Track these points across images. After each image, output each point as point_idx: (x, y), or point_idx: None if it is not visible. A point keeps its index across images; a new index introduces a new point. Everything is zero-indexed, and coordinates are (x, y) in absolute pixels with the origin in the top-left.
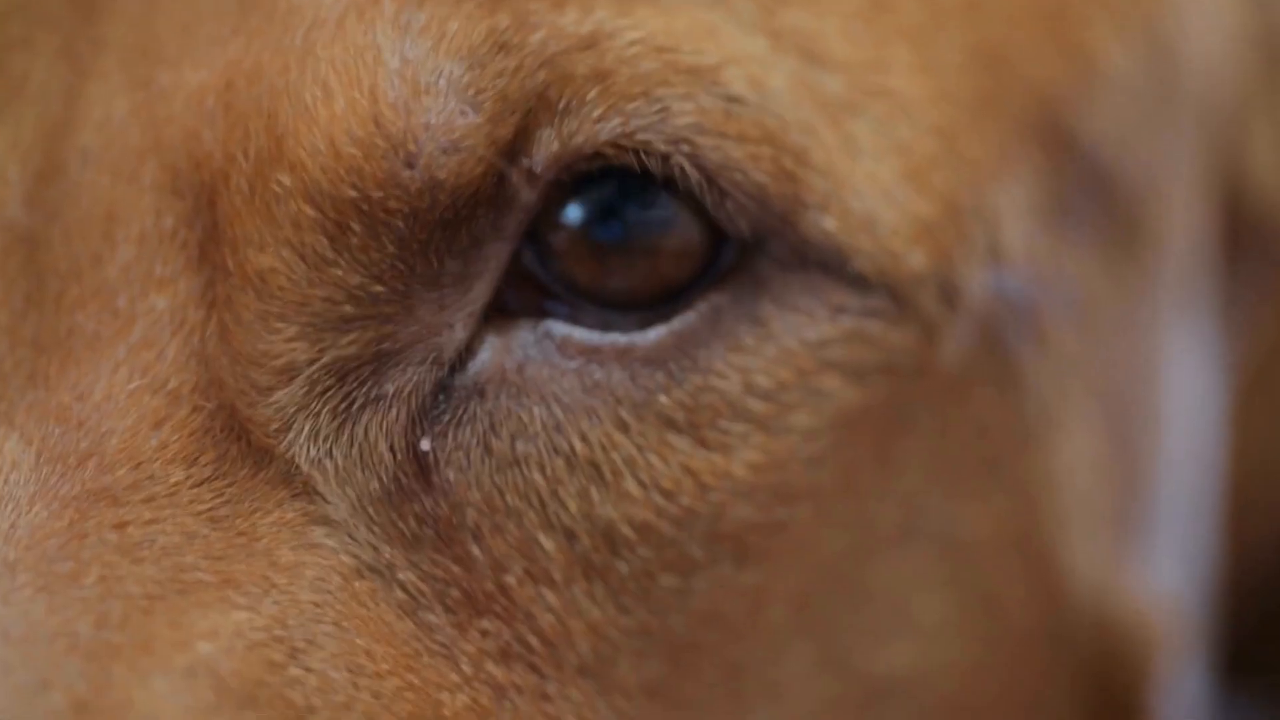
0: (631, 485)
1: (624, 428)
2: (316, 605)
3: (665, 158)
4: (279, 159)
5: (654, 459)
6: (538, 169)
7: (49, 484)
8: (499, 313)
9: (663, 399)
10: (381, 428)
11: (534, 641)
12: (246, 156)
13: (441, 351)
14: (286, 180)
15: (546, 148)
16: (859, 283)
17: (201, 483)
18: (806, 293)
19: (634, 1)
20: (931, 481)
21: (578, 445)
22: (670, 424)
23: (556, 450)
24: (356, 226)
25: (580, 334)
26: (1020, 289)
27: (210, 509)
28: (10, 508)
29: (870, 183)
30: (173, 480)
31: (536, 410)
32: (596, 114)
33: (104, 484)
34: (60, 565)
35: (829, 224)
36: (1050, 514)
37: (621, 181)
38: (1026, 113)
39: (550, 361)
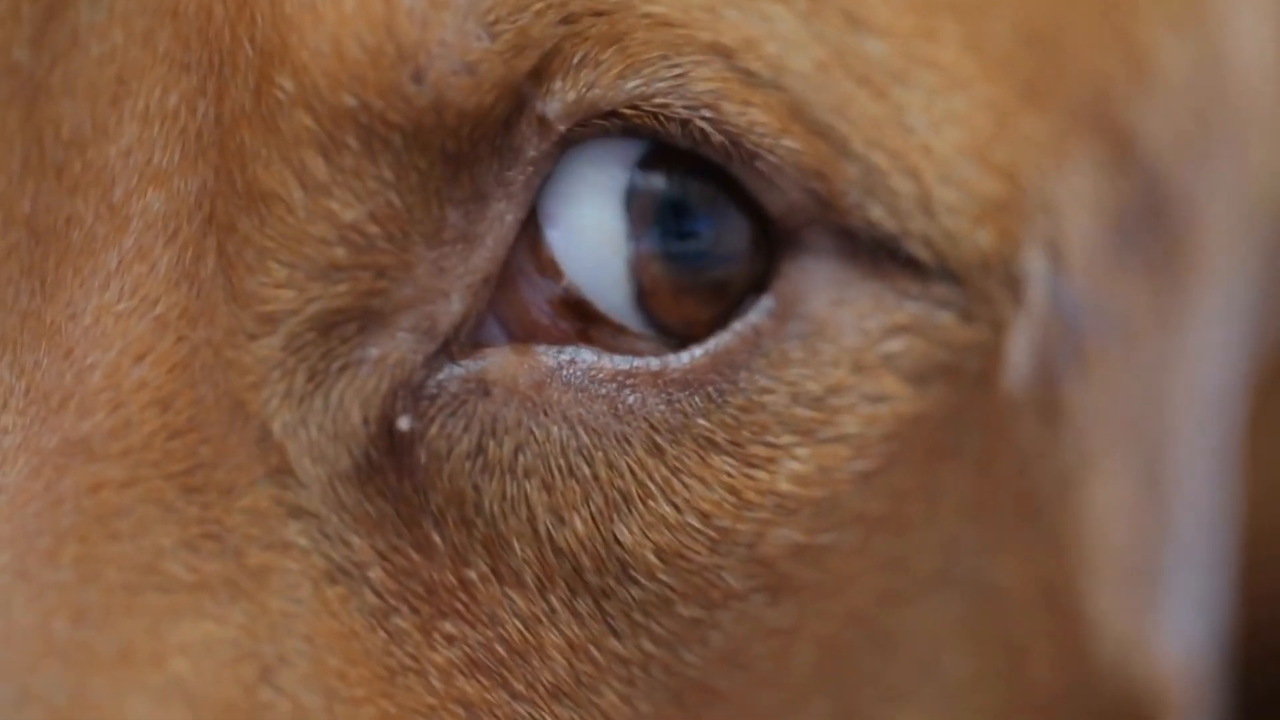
0: (665, 509)
1: (658, 452)
2: (286, 616)
3: (685, 123)
4: (282, 57)
5: (691, 481)
6: (551, 115)
7: (32, 431)
8: (523, 329)
9: (702, 422)
10: (358, 395)
11: (502, 651)
12: (253, 44)
13: (435, 323)
14: (289, 85)
15: (561, 96)
16: (917, 268)
17: (175, 434)
18: (866, 279)
19: None
20: (969, 520)
21: (603, 472)
22: (711, 445)
23: (572, 472)
24: (353, 142)
25: (610, 360)
26: (1075, 303)
27: (184, 471)
28: None
29: (925, 157)
30: (149, 429)
31: (555, 430)
32: (614, 72)
33: (82, 432)
34: (38, 540)
35: (875, 210)
36: (1081, 565)
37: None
38: (1083, 102)
39: (577, 385)
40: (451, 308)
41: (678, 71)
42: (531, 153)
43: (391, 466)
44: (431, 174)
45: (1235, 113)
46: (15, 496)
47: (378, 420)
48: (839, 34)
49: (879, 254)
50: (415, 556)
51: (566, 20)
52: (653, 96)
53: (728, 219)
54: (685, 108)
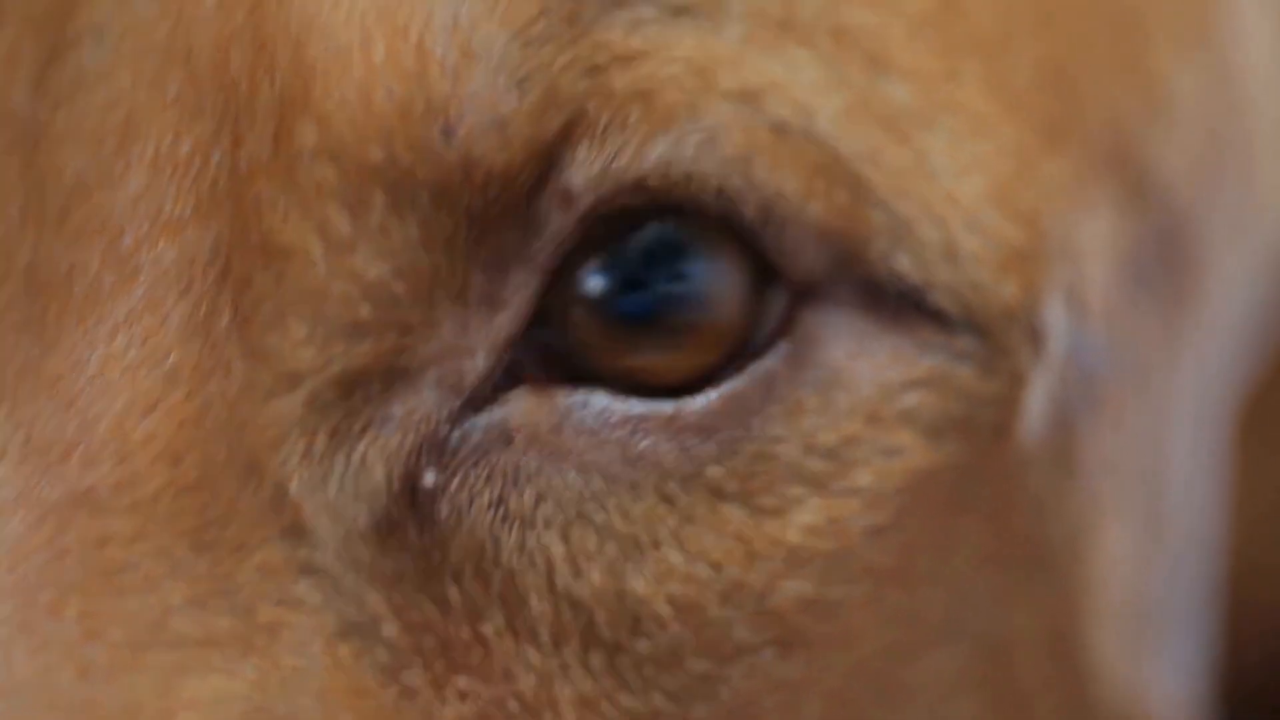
0: (676, 558)
1: (669, 500)
2: (297, 672)
3: (719, 191)
4: (304, 106)
5: (702, 530)
6: (575, 187)
7: (32, 482)
8: (535, 371)
9: (714, 469)
10: (382, 453)
11: (515, 707)
12: (273, 91)
13: (461, 379)
14: (311, 136)
15: (585, 168)
16: (940, 320)
17: (185, 490)
18: (886, 332)
19: (679, 19)
20: (981, 572)
21: (617, 521)
22: (721, 494)
23: (588, 520)
24: (379, 198)
25: (623, 404)
26: (1096, 349)
27: (193, 529)
28: None
29: (950, 204)
30: (157, 483)
31: (572, 476)
32: (640, 135)
33: (87, 484)
34: (41, 594)
35: (901, 261)
36: (1088, 613)
37: (648, 244)
38: (1101, 142)
39: (590, 429)
40: (477, 365)
41: (706, 135)
42: (554, 226)
43: (412, 522)
44: (457, 236)
45: (1242, 129)
46: (16, 548)
47: (401, 478)
48: (863, 78)
49: (903, 305)
50: (431, 612)
51: (592, 72)
52: (681, 162)
53: (736, 292)
54: (715, 172)
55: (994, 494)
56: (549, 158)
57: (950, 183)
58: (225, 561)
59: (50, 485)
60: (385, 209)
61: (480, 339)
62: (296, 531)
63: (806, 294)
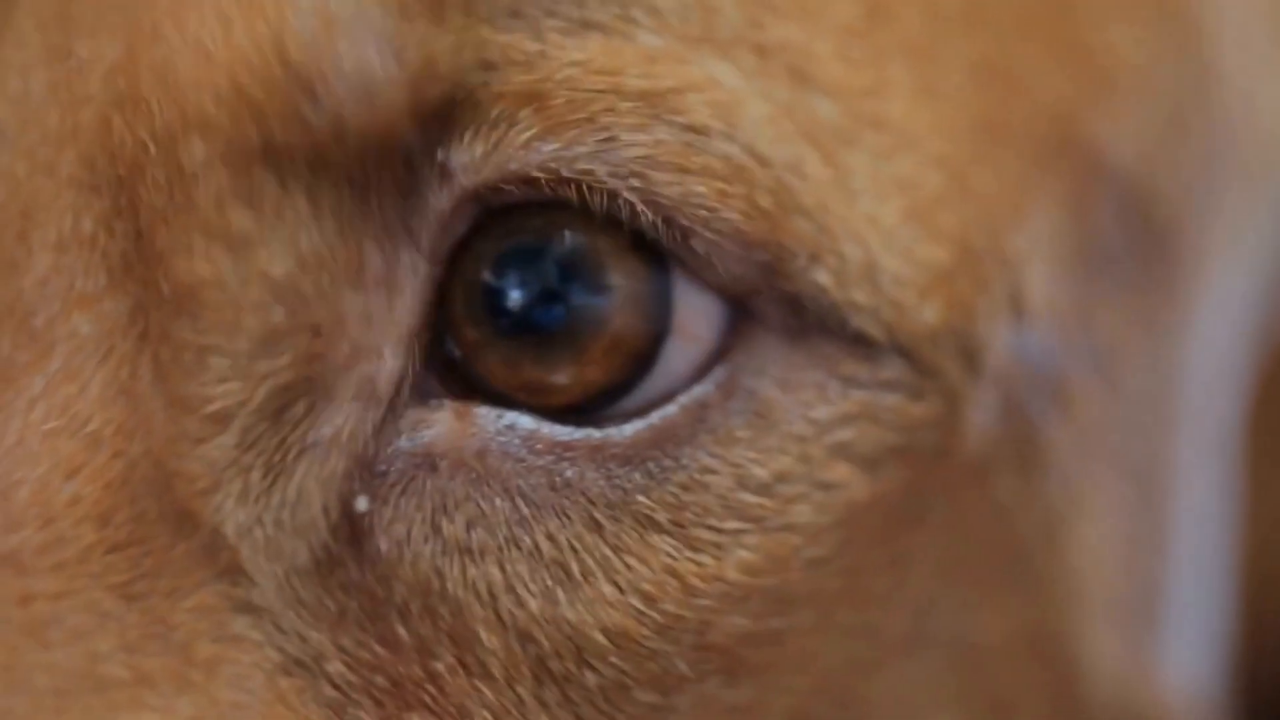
0: (606, 588)
1: (597, 529)
2: (237, 706)
3: (612, 194)
4: (184, 123)
5: (632, 561)
6: (454, 166)
7: None
8: (459, 389)
9: (642, 499)
10: (318, 479)
11: None
12: (155, 140)
13: (375, 384)
14: (198, 149)
15: (468, 150)
16: (864, 346)
17: (115, 549)
18: (811, 366)
19: (587, 27)
20: (944, 581)
21: (544, 545)
22: (651, 525)
23: (518, 545)
24: (268, 181)
25: (549, 429)
26: (1045, 348)
27: (125, 582)
28: None
29: (870, 226)
30: (84, 543)
31: (499, 502)
32: (530, 133)
33: (9, 546)
34: None
35: (822, 275)
36: (1072, 609)
37: (539, 244)
38: (1041, 136)
39: (515, 455)
40: (386, 365)
41: (605, 135)
42: (437, 205)
43: (352, 558)
44: (342, 206)
45: (1220, 96)
46: None
47: (337, 505)
48: (787, 92)
49: (826, 328)
50: (380, 651)
51: (485, 66)
52: (574, 161)
53: (655, 303)
54: (611, 175)
55: (947, 506)
56: (428, 131)
57: (871, 204)
58: (158, 608)
59: None
60: (275, 188)
61: (384, 333)
62: (233, 572)
63: (734, 314)
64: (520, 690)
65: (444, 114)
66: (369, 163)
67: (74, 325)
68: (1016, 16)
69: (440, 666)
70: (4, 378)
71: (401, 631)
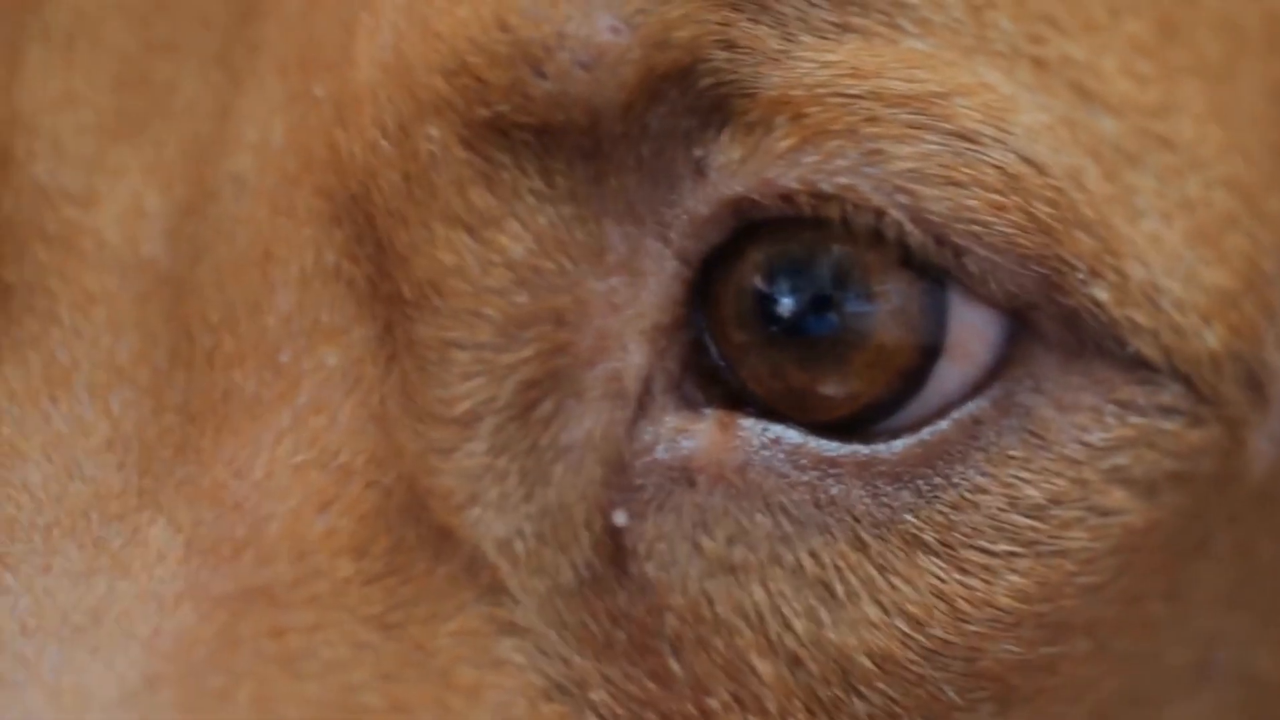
0: (870, 609)
1: (862, 547)
2: None
3: (879, 212)
4: (418, 108)
5: (898, 582)
6: (710, 166)
7: (199, 580)
8: (720, 396)
9: (909, 518)
10: (575, 488)
11: None
12: (386, 134)
13: (622, 380)
14: (435, 130)
15: (726, 151)
16: (1142, 369)
17: (372, 580)
18: (1088, 388)
19: (845, 30)
20: (1229, 613)
21: (807, 563)
22: (919, 545)
23: (780, 563)
24: (504, 158)
25: (816, 444)
26: None
27: (382, 613)
28: (154, 608)
29: (1153, 246)
30: (340, 576)
31: (760, 518)
32: (788, 143)
33: (262, 580)
34: (209, 679)
35: (1101, 292)
36: None
37: (804, 259)
38: None
39: (778, 470)
40: (631, 359)
41: (869, 147)
42: (693, 207)
43: (618, 581)
44: (577, 182)
45: None
46: (183, 639)
47: (598, 517)
48: (1067, 107)
49: (1103, 350)
50: (651, 686)
51: (726, 45)
52: (835, 174)
53: (923, 316)
54: (876, 190)
55: (1231, 536)
56: (676, 114)
57: (1155, 224)
58: (416, 635)
59: (219, 581)
60: (511, 167)
61: (628, 324)
62: (495, 591)
63: (1012, 328)
64: None
65: (695, 102)
66: (604, 138)
67: (320, 358)
68: None
69: (715, 704)
70: (250, 414)
71: (675, 666)
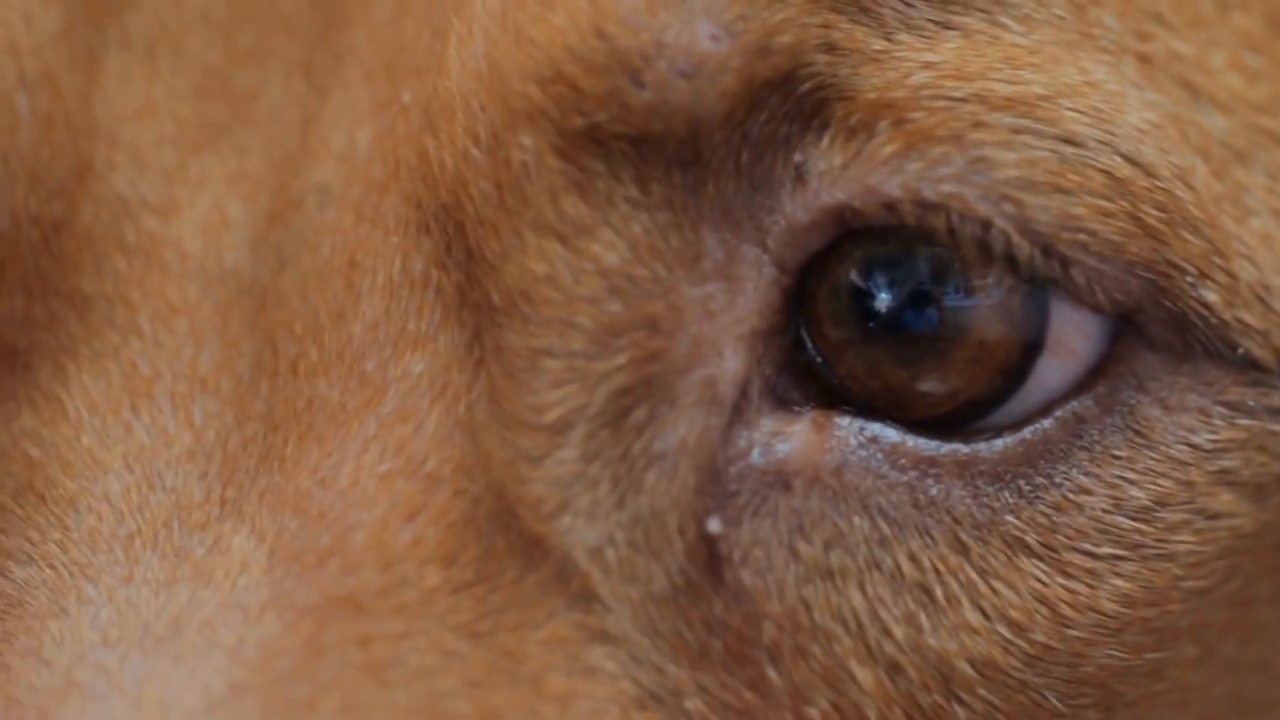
0: (971, 614)
1: (963, 550)
2: None
3: (985, 223)
4: (512, 116)
5: (1000, 585)
6: (810, 171)
7: (283, 589)
8: (816, 395)
9: (1011, 519)
10: (668, 495)
11: None
12: (478, 143)
13: (717, 387)
14: (528, 139)
15: (826, 157)
16: (1253, 370)
17: (461, 588)
18: (1196, 388)
19: (946, 29)
20: None
21: (906, 566)
22: (1021, 547)
23: (879, 567)
24: (598, 166)
25: (914, 442)
26: None
27: (471, 621)
28: (239, 618)
29: (1264, 245)
30: (428, 584)
31: (857, 520)
32: (891, 148)
33: (347, 589)
34: (294, 689)
35: (1210, 294)
36: None
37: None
38: None
39: (876, 471)
40: (727, 365)
41: (975, 154)
42: (793, 213)
43: (713, 589)
44: (674, 190)
45: None
46: (268, 648)
47: (692, 524)
48: (1174, 104)
49: (1211, 350)
50: (748, 696)
51: (829, 49)
52: (939, 182)
53: (1025, 316)
54: (981, 199)
55: None
56: (775, 119)
57: (1266, 223)
58: (506, 643)
59: (304, 590)
60: (605, 175)
61: (725, 329)
62: (586, 598)
63: (1116, 328)
64: None
65: (796, 108)
66: (702, 146)
67: (406, 366)
68: None
69: (814, 712)
70: (335, 422)
71: (773, 675)
